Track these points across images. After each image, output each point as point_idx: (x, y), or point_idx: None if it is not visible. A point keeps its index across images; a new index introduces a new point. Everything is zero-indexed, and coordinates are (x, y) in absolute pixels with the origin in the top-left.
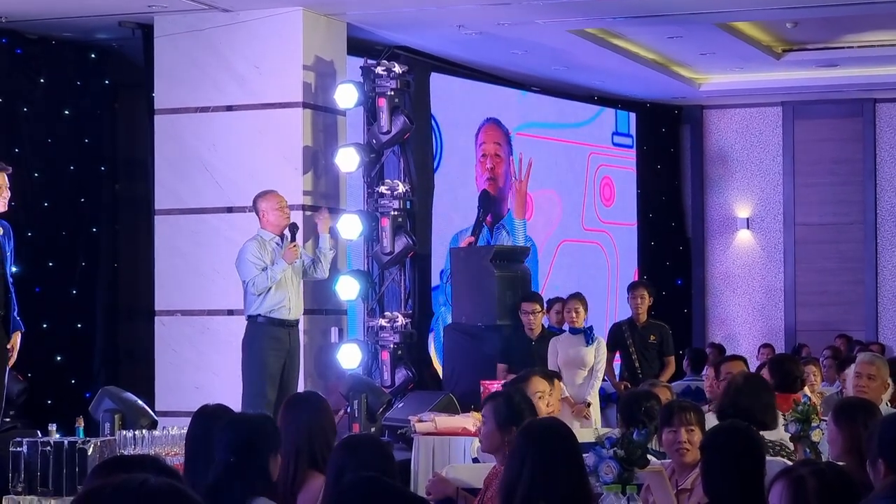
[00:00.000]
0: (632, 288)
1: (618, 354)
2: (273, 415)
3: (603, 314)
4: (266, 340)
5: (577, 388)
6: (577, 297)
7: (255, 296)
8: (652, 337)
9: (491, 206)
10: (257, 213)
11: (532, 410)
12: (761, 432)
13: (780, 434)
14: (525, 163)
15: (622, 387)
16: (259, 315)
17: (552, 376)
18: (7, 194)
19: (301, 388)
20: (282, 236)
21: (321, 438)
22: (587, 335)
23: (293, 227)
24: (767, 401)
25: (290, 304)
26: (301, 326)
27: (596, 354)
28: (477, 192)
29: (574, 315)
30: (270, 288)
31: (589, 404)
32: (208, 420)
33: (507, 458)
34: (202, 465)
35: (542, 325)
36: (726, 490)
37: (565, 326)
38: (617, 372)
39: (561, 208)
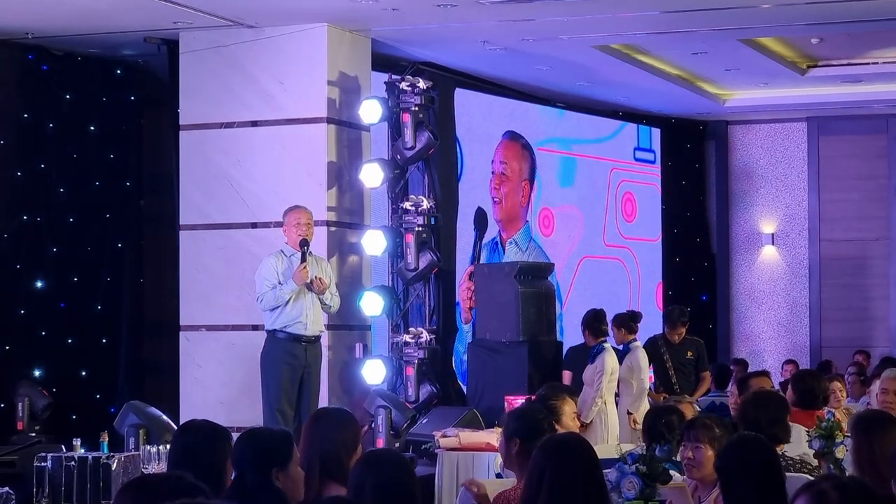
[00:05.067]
0: (672, 325)
1: (650, 369)
2: (293, 429)
3: None
4: (281, 355)
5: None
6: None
7: (265, 311)
8: (689, 353)
9: (485, 225)
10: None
11: (536, 421)
12: (783, 447)
13: (803, 450)
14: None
15: (661, 399)
16: (276, 330)
17: (573, 393)
18: None
19: (325, 403)
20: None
21: (343, 453)
22: (591, 354)
23: (303, 244)
24: (776, 414)
25: (307, 319)
26: (325, 342)
27: (594, 371)
28: (493, 210)
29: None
30: (288, 302)
31: (582, 424)
32: (193, 436)
33: (526, 474)
34: None
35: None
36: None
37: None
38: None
39: (582, 224)
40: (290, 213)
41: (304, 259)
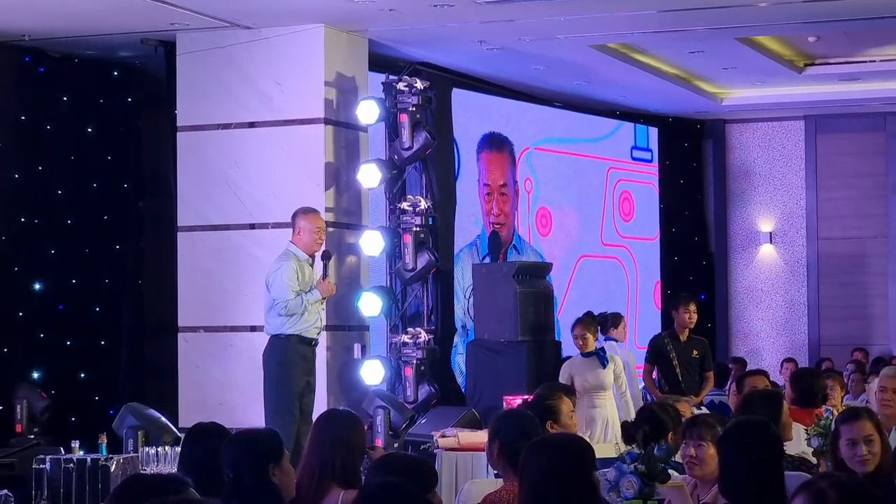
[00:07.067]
0: (684, 302)
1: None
2: (296, 430)
3: None
4: (293, 357)
5: (606, 410)
6: (581, 322)
7: (281, 316)
8: (695, 352)
9: (501, 247)
10: (293, 227)
11: (516, 424)
12: None
13: (802, 448)
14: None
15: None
16: (289, 334)
17: (571, 392)
18: None
19: (323, 404)
20: (313, 256)
21: (349, 454)
22: (600, 357)
23: (326, 256)
24: (769, 417)
25: (319, 323)
26: (324, 343)
27: (615, 373)
28: (481, 217)
29: (581, 341)
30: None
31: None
32: (202, 439)
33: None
34: (198, 484)
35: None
36: (743, 483)
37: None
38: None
39: (579, 224)
40: (306, 217)
41: (326, 272)
